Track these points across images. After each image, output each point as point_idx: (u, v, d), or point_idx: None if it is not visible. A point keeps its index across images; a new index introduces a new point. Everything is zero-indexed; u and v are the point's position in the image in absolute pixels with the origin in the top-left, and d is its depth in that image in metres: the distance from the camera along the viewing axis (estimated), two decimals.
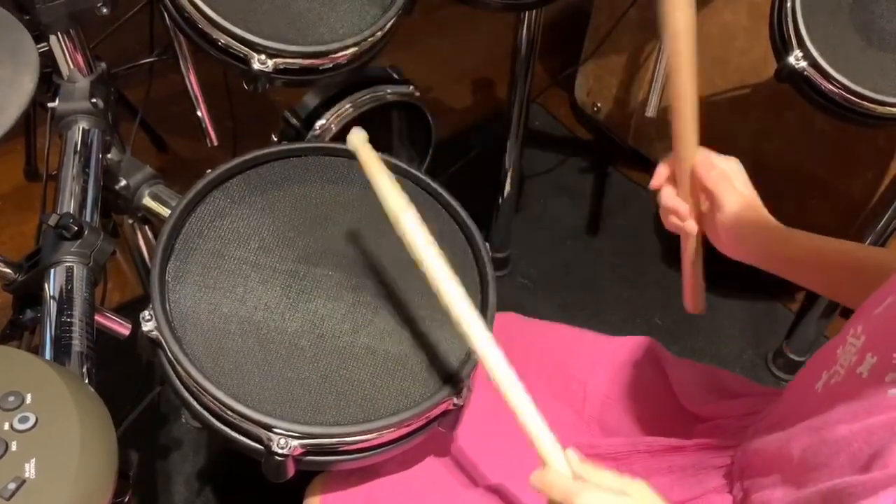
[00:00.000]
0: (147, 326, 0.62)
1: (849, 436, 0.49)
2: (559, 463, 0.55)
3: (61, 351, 0.66)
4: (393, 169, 0.79)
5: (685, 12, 0.66)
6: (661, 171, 0.77)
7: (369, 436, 0.62)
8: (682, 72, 0.69)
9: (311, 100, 1.12)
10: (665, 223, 0.79)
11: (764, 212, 0.72)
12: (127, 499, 0.54)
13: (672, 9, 0.66)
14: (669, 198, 0.77)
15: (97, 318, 0.73)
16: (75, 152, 0.83)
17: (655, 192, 0.79)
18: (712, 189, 0.72)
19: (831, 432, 0.50)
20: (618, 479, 0.53)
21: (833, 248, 0.69)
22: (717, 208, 0.72)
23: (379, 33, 0.85)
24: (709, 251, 0.79)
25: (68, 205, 0.79)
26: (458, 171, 1.65)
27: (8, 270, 0.77)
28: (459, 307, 0.59)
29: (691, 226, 0.76)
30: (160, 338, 0.62)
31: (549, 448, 0.56)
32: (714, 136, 1.79)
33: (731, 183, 0.72)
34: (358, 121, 1.11)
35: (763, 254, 0.72)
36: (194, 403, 0.63)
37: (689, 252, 0.79)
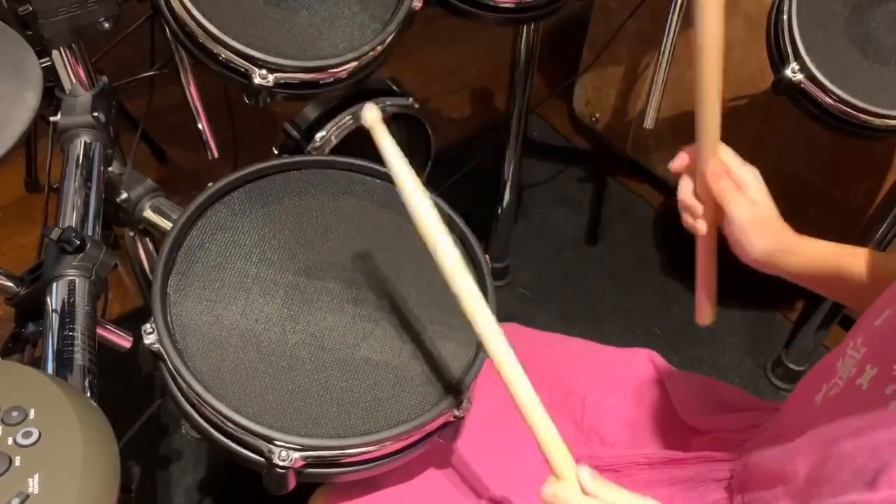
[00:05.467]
0: (149, 339, 0.62)
1: (853, 451, 0.49)
2: (572, 477, 0.54)
3: (63, 364, 0.66)
4: (392, 181, 0.79)
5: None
6: (682, 158, 0.75)
7: (370, 448, 0.63)
8: (710, 67, 0.67)
9: (311, 112, 1.13)
10: (682, 218, 0.77)
11: (775, 225, 0.71)
12: None
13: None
14: (684, 192, 0.75)
15: (99, 331, 0.73)
16: (77, 166, 0.83)
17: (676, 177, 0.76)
18: (719, 199, 0.71)
19: (835, 447, 0.50)
20: (630, 497, 0.53)
21: (842, 259, 0.68)
22: (724, 219, 0.71)
23: (379, 48, 0.86)
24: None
25: (70, 218, 0.80)
26: (457, 182, 1.65)
27: (10, 284, 0.77)
28: (478, 312, 0.57)
29: (701, 226, 0.75)
30: (162, 350, 0.62)
31: (563, 461, 0.55)
32: None
33: (740, 194, 0.70)
34: (357, 132, 1.12)
35: (772, 265, 0.71)
36: (195, 416, 0.63)
37: (701, 254, 0.77)
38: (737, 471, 0.65)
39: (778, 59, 0.99)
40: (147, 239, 1.08)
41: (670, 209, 1.80)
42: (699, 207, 0.74)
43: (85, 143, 0.85)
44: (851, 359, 0.55)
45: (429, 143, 1.23)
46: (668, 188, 1.78)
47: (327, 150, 1.10)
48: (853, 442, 0.49)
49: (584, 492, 0.54)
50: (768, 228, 0.71)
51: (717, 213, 0.74)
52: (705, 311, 0.82)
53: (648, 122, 1.25)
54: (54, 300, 0.71)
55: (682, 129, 1.65)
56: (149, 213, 0.91)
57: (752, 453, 0.63)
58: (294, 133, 1.12)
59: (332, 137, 1.11)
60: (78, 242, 0.73)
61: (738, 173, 0.71)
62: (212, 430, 0.63)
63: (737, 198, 0.71)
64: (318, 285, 0.70)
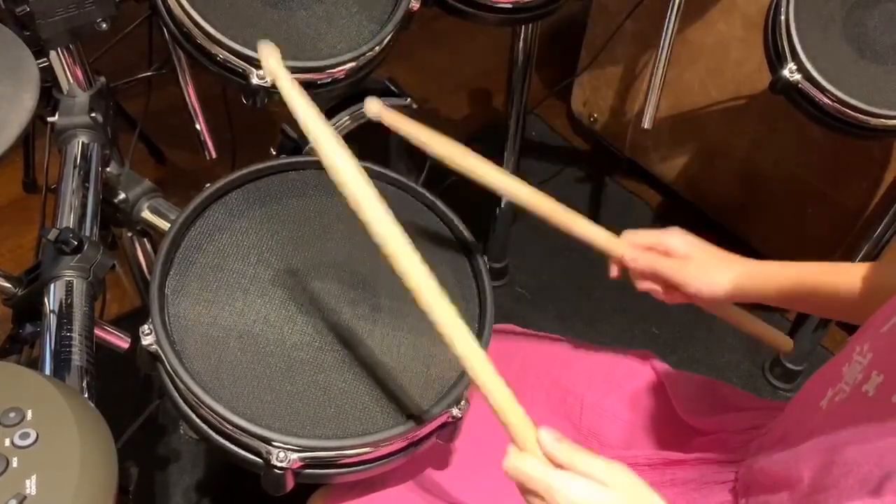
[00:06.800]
0: (146, 340, 0.62)
1: (858, 458, 0.49)
2: (535, 447, 0.51)
3: (61, 365, 0.66)
4: (390, 181, 0.80)
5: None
6: (612, 269, 0.81)
7: (368, 449, 0.62)
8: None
9: None
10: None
11: (720, 263, 0.74)
12: None
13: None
14: (638, 285, 0.79)
15: (96, 331, 0.73)
16: (75, 166, 0.83)
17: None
18: (654, 274, 0.75)
19: (840, 453, 0.50)
20: (599, 463, 0.50)
21: (820, 276, 0.70)
22: (668, 285, 0.75)
23: (377, 48, 0.86)
24: None
25: (68, 218, 0.79)
26: (455, 183, 1.64)
27: (8, 285, 0.77)
28: (419, 280, 0.56)
29: (673, 297, 0.78)
30: (159, 351, 0.62)
31: (522, 429, 0.52)
32: (709, 147, 1.79)
33: (669, 259, 0.74)
34: (356, 133, 1.12)
35: (744, 296, 0.74)
36: (193, 417, 0.63)
37: (711, 310, 0.80)
38: (741, 473, 0.65)
39: (776, 59, 0.99)
40: (145, 239, 1.07)
41: (668, 209, 1.80)
42: (658, 288, 0.78)
43: (83, 143, 0.85)
44: (858, 364, 0.55)
45: None
46: (666, 188, 1.78)
47: None
48: (858, 449, 0.49)
49: (547, 457, 0.51)
50: (714, 269, 0.73)
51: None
52: (775, 343, 0.84)
53: (647, 123, 1.25)
54: (52, 301, 0.71)
55: (680, 130, 1.65)
56: (147, 214, 0.91)
57: (757, 456, 0.63)
58: (292, 133, 1.12)
59: None
60: (76, 243, 0.73)
61: (660, 243, 0.75)
62: (210, 431, 0.63)
63: (667, 264, 0.74)
64: (316, 286, 0.70)
